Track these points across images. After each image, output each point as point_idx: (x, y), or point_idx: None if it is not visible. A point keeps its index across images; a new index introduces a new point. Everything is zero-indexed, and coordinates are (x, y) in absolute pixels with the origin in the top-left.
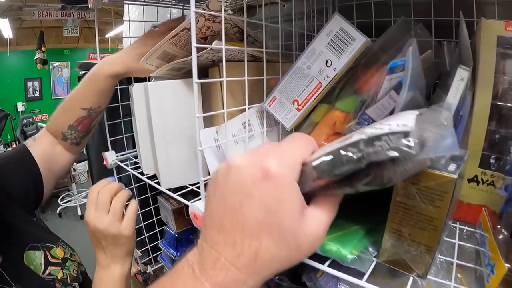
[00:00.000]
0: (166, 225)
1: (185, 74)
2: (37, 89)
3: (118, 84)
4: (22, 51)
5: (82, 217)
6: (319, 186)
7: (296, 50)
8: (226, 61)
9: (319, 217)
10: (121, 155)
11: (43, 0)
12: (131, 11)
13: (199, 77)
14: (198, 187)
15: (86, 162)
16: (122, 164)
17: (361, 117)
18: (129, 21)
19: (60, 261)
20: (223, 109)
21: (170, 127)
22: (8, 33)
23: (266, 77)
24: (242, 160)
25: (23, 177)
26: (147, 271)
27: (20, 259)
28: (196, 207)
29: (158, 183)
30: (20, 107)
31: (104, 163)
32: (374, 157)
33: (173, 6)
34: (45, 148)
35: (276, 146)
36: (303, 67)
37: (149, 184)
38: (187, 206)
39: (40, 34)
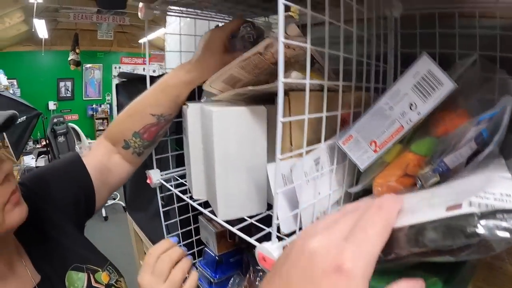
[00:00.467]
0: (205, 245)
1: (248, 98)
2: (69, 89)
3: None
4: (56, 52)
5: (106, 218)
6: (412, 253)
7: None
8: (295, 90)
9: None
10: (165, 174)
11: (79, 3)
12: (173, 22)
13: (261, 103)
14: (258, 221)
15: None
16: (167, 185)
17: (438, 164)
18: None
19: (103, 286)
20: (290, 143)
21: (233, 156)
22: (43, 34)
23: (340, 111)
24: (318, 244)
25: (74, 189)
26: None
27: (61, 278)
28: (266, 249)
29: (212, 211)
30: (52, 105)
31: (148, 181)
32: (489, 235)
33: (213, 19)
34: (101, 159)
35: (359, 222)
36: (385, 107)
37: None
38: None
39: (75, 36)
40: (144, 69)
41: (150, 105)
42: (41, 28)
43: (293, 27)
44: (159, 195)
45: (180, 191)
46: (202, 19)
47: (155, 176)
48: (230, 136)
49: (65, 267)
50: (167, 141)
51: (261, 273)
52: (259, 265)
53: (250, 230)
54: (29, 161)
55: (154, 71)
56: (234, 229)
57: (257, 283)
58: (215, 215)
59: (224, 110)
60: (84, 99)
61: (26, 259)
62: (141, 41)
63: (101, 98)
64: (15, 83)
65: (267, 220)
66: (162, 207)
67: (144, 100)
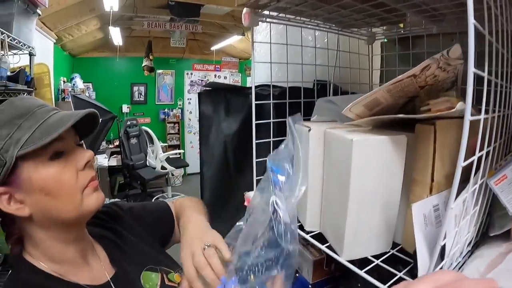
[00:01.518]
0: (297, 271)
1: (379, 123)
2: (142, 93)
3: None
4: (130, 58)
5: None
6: None
7: None
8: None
9: None
10: None
11: (153, 11)
12: (263, 31)
13: (392, 127)
14: (384, 261)
15: (183, 168)
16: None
17: None
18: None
19: (176, 285)
20: (431, 179)
21: (368, 190)
22: (118, 41)
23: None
24: None
25: (160, 221)
26: None
27: (136, 276)
28: None
29: (329, 247)
30: (125, 109)
31: (246, 203)
32: None
33: (319, 28)
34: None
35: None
36: None
37: None
38: (328, 257)
39: (148, 43)
40: (215, 75)
41: None
42: (116, 35)
43: (457, 48)
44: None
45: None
46: (308, 28)
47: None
48: (369, 167)
49: (142, 266)
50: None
51: None
52: None
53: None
54: (102, 160)
55: (225, 77)
56: (361, 272)
57: None
58: (333, 251)
59: (365, 139)
60: (156, 103)
61: (103, 256)
62: (214, 48)
63: (173, 103)
64: (91, 86)
65: (391, 261)
66: None
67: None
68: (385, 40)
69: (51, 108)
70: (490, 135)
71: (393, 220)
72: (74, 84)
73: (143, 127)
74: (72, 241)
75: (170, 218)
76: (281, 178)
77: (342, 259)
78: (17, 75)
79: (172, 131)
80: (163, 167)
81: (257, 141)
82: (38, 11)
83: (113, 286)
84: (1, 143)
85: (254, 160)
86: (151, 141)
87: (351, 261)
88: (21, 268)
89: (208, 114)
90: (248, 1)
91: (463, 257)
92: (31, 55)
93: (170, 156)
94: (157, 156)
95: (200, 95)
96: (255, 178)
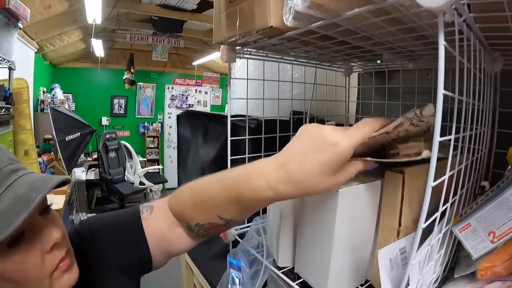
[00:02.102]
0: None
1: None
2: (122, 106)
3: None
4: (111, 70)
5: None
6: None
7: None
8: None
9: None
10: (240, 229)
11: (136, 25)
12: (238, 66)
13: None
14: None
15: (161, 184)
16: (242, 242)
17: None
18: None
19: None
20: (399, 223)
21: (349, 235)
22: (100, 52)
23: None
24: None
25: (130, 253)
26: None
27: None
28: None
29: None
30: (105, 121)
31: (221, 235)
32: None
33: (296, 63)
34: (162, 228)
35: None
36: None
37: None
38: None
39: (130, 56)
40: (196, 90)
41: (219, 209)
42: (98, 47)
43: (430, 108)
44: (231, 247)
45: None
46: (286, 62)
47: (230, 232)
48: (351, 214)
49: None
50: None
51: None
52: None
53: None
54: (80, 173)
55: (206, 92)
56: None
57: None
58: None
59: (349, 189)
60: (136, 116)
61: None
62: (196, 63)
63: (153, 117)
64: (71, 97)
65: None
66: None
67: (214, 199)
68: (362, 72)
69: (6, 173)
70: (457, 182)
71: (367, 258)
72: (53, 95)
73: (122, 142)
74: None
75: (141, 242)
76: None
77: None
78: None
79: (152, 145)
80: (141, 183)
81: None
82: (20, 24)
83: None
84: None
85: None
86: (130, 156)
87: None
88: None
89: (186, 137)
90: (226, 40)
91: None
92: (10, 69)
93: (149, 171)
94: (135, 172)
95: (179, 117)
96: None
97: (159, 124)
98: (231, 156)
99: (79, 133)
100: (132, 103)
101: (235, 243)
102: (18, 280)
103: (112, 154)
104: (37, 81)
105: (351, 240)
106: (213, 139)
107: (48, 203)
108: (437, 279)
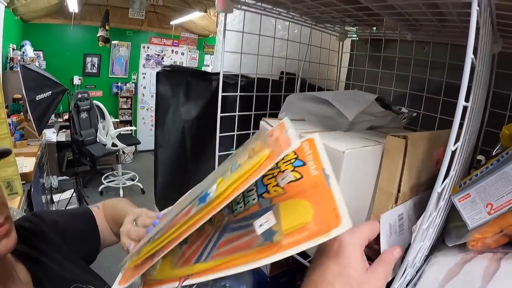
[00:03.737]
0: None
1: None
2: (95, 65)
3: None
4: (85, 27)
5: None
6: None
7: None
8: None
9: None
10: None
11: None
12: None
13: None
14: None
15: (134, 146)
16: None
17: None
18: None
19: None
20: (398, 190)
21: (349, 200)
22: (74, 8)
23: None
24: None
25: (85, 235)
26: None
27: None
28: None
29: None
30: (76, 80)
31: None
32: None
33: (293, 21)
34: (103, 222)
35: None
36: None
37: None
38: None
39: (106, 13)
40: (173, 50)
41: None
42: (72, 1)
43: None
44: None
45: None
46: (283, 19)
47: None
48: (353, 177)
49: (68, 285)
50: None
51: None
52: None
53: None
54: (51, 135)
55: (183, 53)
56: None
57: None
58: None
59: (355, 150)
60: (109, 76)
61: (25, 278)
62: (174, 22)
63: (127, 77)
64: (41, 55)
65: None
66: None
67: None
68: (357, 39)
69: None
70: (460, 156)
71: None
72: (23, 52)
73: (95, 101)
74: None
75: (94, 230)
76: None
77: (302, 259)
78: None
79: (125, 106)
80: (114, 144)
81: (221, 135)
82: None
83: None
84: None
85: (217, 154)
86: (103, 117)
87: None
88: None
89: (166, 96)
90: None
91: (421, 261)
92: None
93: (122, 133)
94: (108, 133)
95: (158, 74)
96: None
97: (133, 85)
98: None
99: (50, 92)
100: (105, 62)
101: None
102: None
103: (84, 115)
104: (6, 38)
105: (350, 204)
106: (196, 97)
107: (19, 166)
108: (429, 246)
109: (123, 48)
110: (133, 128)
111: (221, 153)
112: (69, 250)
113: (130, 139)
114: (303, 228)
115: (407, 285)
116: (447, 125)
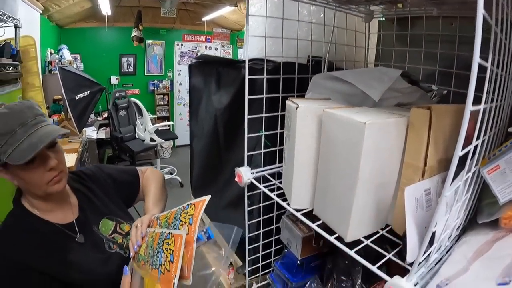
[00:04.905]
0: (285, 246)
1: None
2: (131, 64)
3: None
4: (119, 28)
5: None
6: None
7: None
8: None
9: None
10: (256, 172)
11: None
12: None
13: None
14: (373, 242)
15: (172, 140)
16: (259, 185)
17: None
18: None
19: (124, 233)
20: (424, 162)
21: (374, 173)
22: (106, 11)
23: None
24: None
25: (128, 185)
26: (252, 287)
27: (96, 221)
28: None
29: (321, 225)
30: (114, 80)
31: (236, 179)
32: None
33: (316, 3)
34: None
35: None
36: None
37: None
38: (316, 234)
39: (138, 13)
40: (206, 46)
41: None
42: (104, 5)
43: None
44: (246, 194)
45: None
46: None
47: (246, 175)
48: (376, 150)
49: (102, 215)
50: (260, 137)
51: (344, 284)
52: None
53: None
54: (91, 133)
55: (216, 49)
56: (351, 252)
57: None
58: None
59: (377, 122)
60: (145, 74)
61: (74, 205)
62: (205, 18)
63: (162, 74)
64: (78, 58)
65: (380, 241)
66: (248, 206)
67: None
68: (383, 19)
69: (30, 125)
70: (487, 124)
71: (388, 201)
72: (61, 56)
73: (132, 99)
74: (48, 198)
75: (137, 184)
76: None
77: (332, 238)
78: (2, 49)
79: (162, 103)
80: (152, 139)
81: (249, 116)
82: None
83: (76, 226)
84: None
85: (246, 136)
86: (140, 113)
87: (339, 239)
88: (16, 207)
89: (198, 87)
90: None
91: (451, 241)
92: (16, 27)
93: (159, 128)
94: (146, 128)
95: (191, 67)
96: (246, 154)
97: (169, 81)
98: (248, 95)
99: (88, 91)
100: (141, 61)
101: (251, 188)
102: (30, 182)
103: (122, 113)
104: (43, 43)
105: (375, 178)
106: (227, 85)
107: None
108: (459, 226)
109: (157, 46)
110: (170, 123)
111: (250, 135)
112: (115, 193)
113: (168, 134)
114: None
115: (436, 264)
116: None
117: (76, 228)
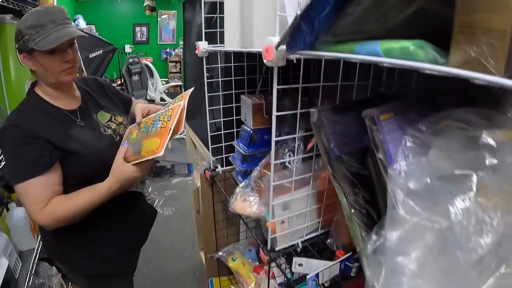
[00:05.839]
0: (244, 123)
1: None
2: (144, 34)
3: None
4: None
5: None
6: None
7: None
8: None
9: None
10: (212, 47)
11: None
12: None
13: None
14: None
15: None
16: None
17: None
18: None
19: (117, 122)
20: None
21: None
22: None
23: None
24: None
25: (123, 98)
26: (217, 169)
27: (95, 111)
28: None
29: None
30: (128, 49)
31: (196, 51)
32: None
33: None
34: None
35: None
36: None
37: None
38: (267, 103)
39: None
40: None
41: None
42: None
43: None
44: (205, 66)
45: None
46: None
47: (202, 45)
48: None
49: (100, 108)
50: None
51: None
52: None
53: None
54: None
55: None
56: None
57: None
58: None
59: None
60: (158, 43)
61: (78, 97)
62: None
63: (175, 43)
64: (93, 28)
65: None
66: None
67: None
68: None
69: (59, 23)
70: None
71: None
72: (77, 25)
73: (144, 62)
74: (59, 87)
75: (130, 100)
76: None
77: None
78: None
79: (174, 70)
80: (162, 99)
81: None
82: None
83: (78, 113)
84: (28, 36)
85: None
86: (152, 75)
87: None
88: (30, 93)
89: (191, 21)
90: None
91: None
92: None
93: (171, 91)
94: (156, 89)
95: (184, 3)
96: (204, 30)
97: (181, 50)
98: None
99: (101, 51)
100: (154, 31)
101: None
102: (47, 69)
103: (135, 78)
104: None
105: None
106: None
107: None
108: None
109: (170, 16)
110: (180, 83)
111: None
112: (112, 96)
113: (178, 95)
114: (151, 152)
115: None
116: None
117: (78, 114)
